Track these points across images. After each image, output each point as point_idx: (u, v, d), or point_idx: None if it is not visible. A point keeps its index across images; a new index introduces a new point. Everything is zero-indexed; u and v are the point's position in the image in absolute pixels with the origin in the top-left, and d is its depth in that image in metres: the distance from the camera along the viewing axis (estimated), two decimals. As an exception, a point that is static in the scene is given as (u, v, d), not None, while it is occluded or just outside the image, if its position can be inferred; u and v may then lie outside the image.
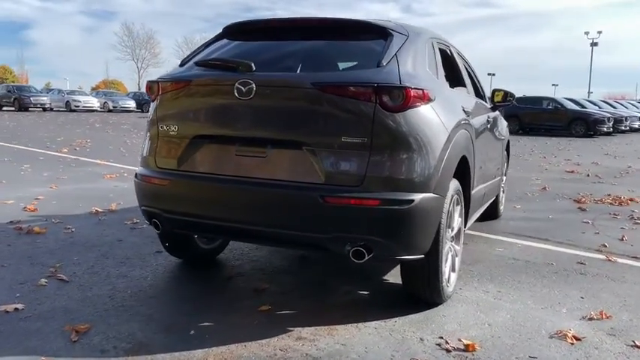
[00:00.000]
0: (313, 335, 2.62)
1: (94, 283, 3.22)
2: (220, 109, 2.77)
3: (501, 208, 5.58)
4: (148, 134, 3.07)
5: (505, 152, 5.45)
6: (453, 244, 3.17)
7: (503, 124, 5.12)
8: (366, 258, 2.58)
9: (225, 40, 3.22)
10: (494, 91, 4.69)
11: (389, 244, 2.61)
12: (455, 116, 2.95)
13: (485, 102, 4.67)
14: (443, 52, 3.75)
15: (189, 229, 2.91)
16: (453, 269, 3.19)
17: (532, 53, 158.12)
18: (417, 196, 2.58)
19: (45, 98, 32.93)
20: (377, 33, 2.93)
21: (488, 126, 4.14)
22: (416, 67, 2.87)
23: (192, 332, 2.60)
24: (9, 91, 33.15)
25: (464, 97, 3.53)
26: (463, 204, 3.27)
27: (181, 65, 3.09)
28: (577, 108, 24.01)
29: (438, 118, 2.73)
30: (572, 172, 9.93)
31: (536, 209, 6.12)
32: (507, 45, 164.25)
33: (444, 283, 2.90)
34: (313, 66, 2.84)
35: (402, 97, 2.56)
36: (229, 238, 3.01)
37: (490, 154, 4.35)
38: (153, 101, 3.05)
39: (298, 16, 3.08)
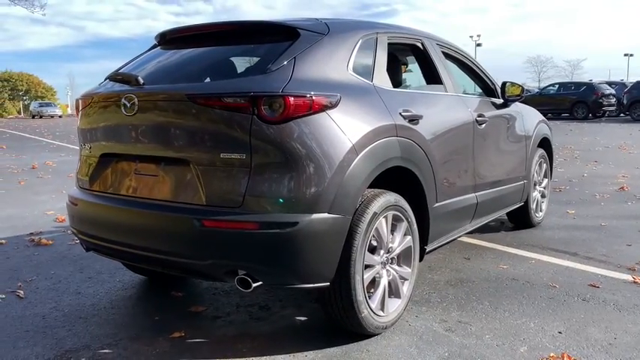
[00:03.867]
0: (200, 370, 2.41)
1: (43, 301, 3.25)
2: (115, 126, 2.65)
3: (540, 214, 4.91)
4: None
5: (541, 151, 4.77)
6: (394, 266, 2.78)
7: (526, 120, 4.46)
8: (253, 286, 2.31)
9: (157, 50, 3.09)
10: (504, 85, 4.10)
11: (274, 272, 2.33)
12: (374, 123, 2.56)
13: (495, 97, 4.11)
14: (408, 48, 3.34)
15: (99, 251, 2.81)
16: (397, 295, 2.80)
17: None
18: (304, 218, 2.26)
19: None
20: (284, 34, 2.63)
21: (482, 126, 3.62)
22: (325, 69, 2.54)
23: (82, 360, 2.51)
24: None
25: (415, 98, 3.08)
26: (412, 220, 2.85)
27: (105, 79, 3.01)
28: None
29: (336, 127, 2.38)
30: (676, 166, 8.62)
31: (592, 215, 5.32)
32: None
33: (364, 313, 2.53)
34: (211, 75, 2.61)
35: (282, 107, 2.26)
36: (132, 263, 2.86)
37: (491, 159, 3.80)
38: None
39: (222, 20, 2.85)
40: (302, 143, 2.28)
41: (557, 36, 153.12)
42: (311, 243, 2.29)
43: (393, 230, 2.78)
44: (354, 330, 2.61)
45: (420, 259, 3.06)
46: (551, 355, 2.47)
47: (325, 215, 2.31)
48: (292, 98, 2.26)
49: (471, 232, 4.52)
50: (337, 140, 2.37)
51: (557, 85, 25.35)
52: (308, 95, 2.31)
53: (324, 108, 2.36)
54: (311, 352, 2.55)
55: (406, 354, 2.52)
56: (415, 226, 2.89)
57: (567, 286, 3.37)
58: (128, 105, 2.51)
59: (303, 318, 2.95)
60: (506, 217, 4.93)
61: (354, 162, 2.41)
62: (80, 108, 2.92)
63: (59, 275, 3.73)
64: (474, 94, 3.91)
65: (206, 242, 2.30)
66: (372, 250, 2.65)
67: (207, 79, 2.51)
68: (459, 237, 3.83)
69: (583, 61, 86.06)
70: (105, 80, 2.93)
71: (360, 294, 2.49)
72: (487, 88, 4.15)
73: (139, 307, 3.19)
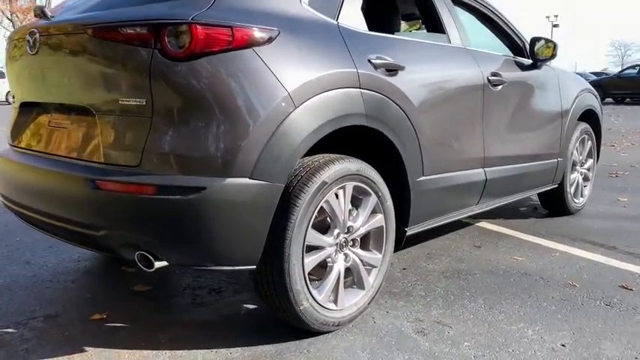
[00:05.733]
0: (97, 362, 2.00)
1: (-14, 269, 2.96)
2: (24, 69, 2.26)
3: (580, 200, 4.19)
4: None
5: (584, 125, 4.04)
6: (356, 250, 2.26)
7: (564, 87, 3.73)
8: (156, 266, 1.87)
9: None
10: (534, 42, 3.41)
11: (179, 250, 1.87)
12: (323, 68, 2.03)
13: (524, 57, 3.44)
14: None
15: (20, 218, 2.42)
16: (360, 285, 2.29)
17: None
18: (214, 182, 1.78)
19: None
20: None
21: (497, 88, 2.98)
22: None
23: (-24, 340, 2.16)
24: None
25: (397, 44, 2.48)
26: (385, 195, 2.31)
27: None
28: None
29: (266, 69, 1.86)
30: None
31: (648, 204, 4.53)
32: None
33: (304, 305, 2.03)
34: (127, 4, 2.12)
35: (188, 39, 1.77)
36: (45, 232, 2.43)
37: (509, 128, 3.17)
38: None
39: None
40: (215, 87, 1.80)
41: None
42: (224, 214, 1.81)
43: (357, 206, 2.25)
44: (295, 325, 2.12)
45: (400, 243, 2.52)
46: (541, 375, 1.89)
47: (245, 181, 1.82)
48: (201, 28, 1.77)
49: (492, 217, 3.92)
50: (266, 86, 1.86)
51: (638, 68, 23.34)
52: (225, 26, 1.81)
53: (250, 44, 1.85)
54: (239, 348, 2.09)
55: (354, 359, 2.01)
56: (389, 202, 2.35)
57: (591, 286, 2.73)
58: (31, 42, 2.11)
59: (251, 306, 2.49)
60: (539, 202, 4.26)
61: (290, 116, 1.89)
62: (7, 51, 2.54)
63: (22, 242, 3.44)
64: (494, 53, 3.25)
65: (98, 208, 1.87)
66: (325, 228, 2.15)
67: (117, 9, 2.05)
68: (463, 218, 3.25)
69: (673, 45, 79.86)
70: None
71: (297, 282, 2.00)
72: (515, 47, 3.48)
73: (79, 282, 2.82)
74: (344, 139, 2.27)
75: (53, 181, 2.05)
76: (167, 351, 2.07)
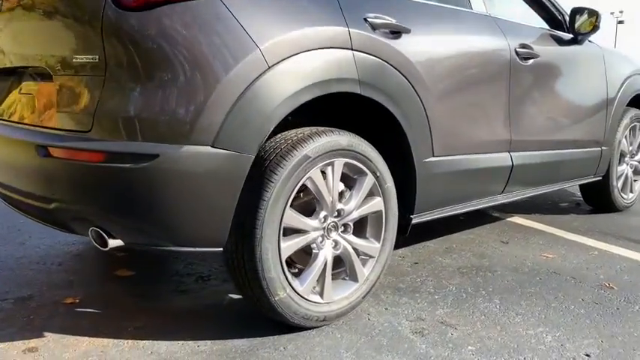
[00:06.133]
0: (52, 348, 1.81)
1: (-23, 249, 2.85)
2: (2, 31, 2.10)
3: (630, 196, 3.76)
4: None
5: (635, 112, 3.62)
6: (348, 237, 1.99)
7: (611, 67, 3.32)
8: (111, 244, 1.66)
9: None
10: (574, 13, 3.03)
11: (132, 227, 1.66)
12: (306, 23, 1.77)
13: (562, 30, 3.07)
14: None
15: (4, 201, 2.26)
16: (353, 277, 2.02)
17: None
18: (169, 150, 1.56)
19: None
20: None
21: (528, 62, 2.64)
22: None
23: (-63, 320, 2.01)
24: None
25: (404, 4, 2.17)
26: (384, 175, 2.03)
27: None
28: None
29: (234, 22, 1.62)
30: None
31: None
32: None
33: (280, 295, 1.78)
34: None
35: (144, -15, 1.55)
36: (23, 213, 2.24)
37: (543, 109, 2.81)
38: None
39: None
40: (173, 41, 1.57)
41: None
42: (180, 187, 1.58)
43: (351, 186, 1.99)
44: (271, 317, 1.88)
45: (405, 233, 2.24)
46: (552, 389, 1.58)
47: (206, 149, 1.59)
48: None
49: (526, 212, 3.56)
50: (234, 42, 1.62)
51: None
52: None
53: None
54: (208, 341, 1.86)
55: (335, 360, 1.74)
56: (390, 184, 2.06)
57: (631, 288, 2.36)
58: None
59: (236, 297, 2.25)
60: (582, 198, 3.85)
61: (262, 77, 1.64)
62: None
63: (24, 224, 3.32)
64: (525, 24, 2.90)
65: (47, 177, 1.69)
66: (312, 211, 1.89)
67: None
68: (492, 211, 2.92)
69: None
70: None
71: (272, 269, 1.75)
72: (553, 20, 3.11)
73: (65, 264, 2.66)
74: (342, 113, 2.02)
75: (14, 151, 1.88)
76: (129, 340, 1.86)
